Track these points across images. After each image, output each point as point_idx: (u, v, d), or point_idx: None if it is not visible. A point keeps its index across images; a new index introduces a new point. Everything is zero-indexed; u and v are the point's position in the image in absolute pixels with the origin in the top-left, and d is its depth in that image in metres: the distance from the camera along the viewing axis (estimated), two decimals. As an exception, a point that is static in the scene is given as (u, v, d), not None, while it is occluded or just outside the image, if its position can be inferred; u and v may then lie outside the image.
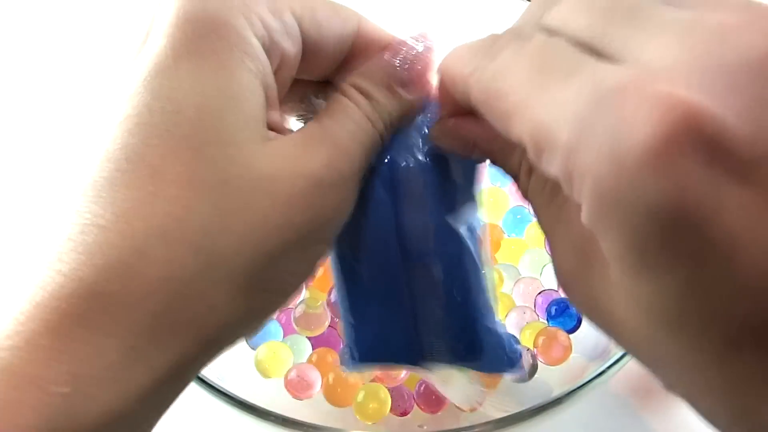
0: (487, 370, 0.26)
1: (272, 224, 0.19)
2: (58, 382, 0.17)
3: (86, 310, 0.17)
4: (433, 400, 0.36)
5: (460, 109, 0.21)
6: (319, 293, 0.40)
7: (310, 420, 0.31)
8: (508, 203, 0.44)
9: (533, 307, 0.40)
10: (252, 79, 0.20)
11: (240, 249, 0.19)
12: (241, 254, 0.19)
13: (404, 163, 0.24)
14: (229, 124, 0.19)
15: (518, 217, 0.43)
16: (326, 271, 0.40)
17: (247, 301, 0.20)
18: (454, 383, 0.28)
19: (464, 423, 0.31)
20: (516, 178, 0.22)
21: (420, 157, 0.24)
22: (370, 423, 0.36)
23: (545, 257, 0.42)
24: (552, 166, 0.16)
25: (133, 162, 0.18)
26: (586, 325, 0.39)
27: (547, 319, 0.39)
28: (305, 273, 0.21)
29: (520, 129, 0.16)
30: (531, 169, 0.21)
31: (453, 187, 0.25)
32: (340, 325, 0.39)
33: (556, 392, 0.32)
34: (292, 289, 0.22)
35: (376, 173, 0.24)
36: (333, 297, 0.38)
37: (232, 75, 0.19)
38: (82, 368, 0.17)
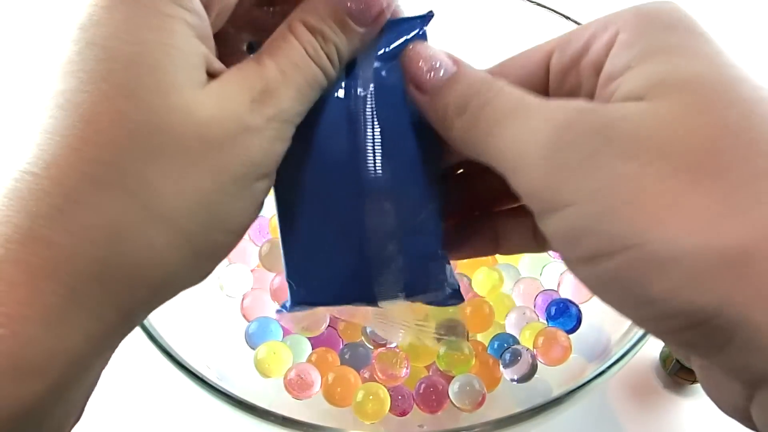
0: (432, 302, 0.26)
1: (206, 167, 0.19)
2: None
3: (23, 254, 0.18)
4: (432, 400, 0.36)
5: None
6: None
7: (309, 420, 0.31)
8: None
9: (533, 308, 0.40)
10: (186, 25, 0.20)
11: (176, 191, 0.19)
12: (178, 196, 0.19)
13: (363, 92, 0.24)
14: (164, 71, 0.19)
15: (518, 217, 0.43)
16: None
17: (192, 242, 0.20)
18: (392, 317, 0.30)
19: (464, 423, 0.31)
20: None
21: (375, 88, 0.24)
22: (369, 423, 0.36)
23: (545, 257, 0.42)
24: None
25: (66, 109, 0.19)
26: (585, 325, 0.39)
27: (547, 320, 0.39)
28: (249, 210, 0.22)
29: None
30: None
31: (418, 125, 0.24)
32: (341, 325, 0.40)
33: (556, 392, 0.32)
34: (239, 227, 0.22)
35: (331, 104, 0.23)
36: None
37: (166, 23, 0.19)
38: (21, 311, 0.17)
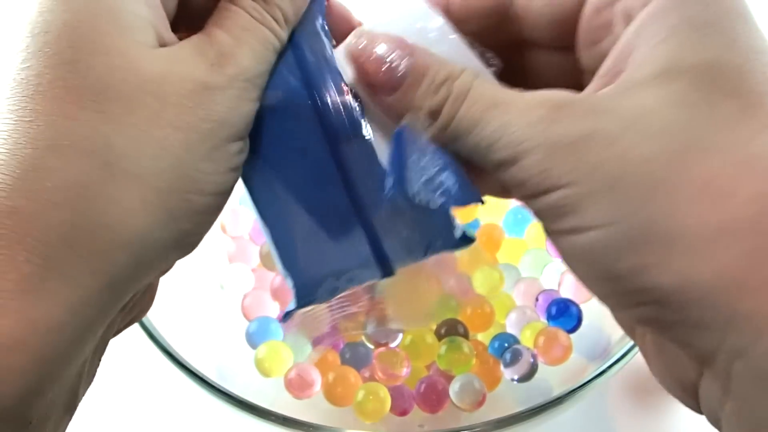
0: (444, 250, 0.25)
1: (166, 122, 0.20)
2: None
3: None
4: (433, 400, 0.36)
5: None
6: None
7: (310, 419, 0.31)
8: (508, 203, 0.44)
9: (534, 307, 0.40)
10: None
11: (137, 147, 0.19)
12: (140, 152, 0.19)
13: (313, 58, 0.24)
14: (105, 33, 0.19)
15: (518, 217, 0.43)
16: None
17: (163, 200, 0.20)
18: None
19: (464, 423, 0.31)
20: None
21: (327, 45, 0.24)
22: (369, 422, 0.36)
23: (545, 257, 0.42)
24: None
25: (12, 87, 0.19)
26: (586, 325, 0.39)
27: (548, 319, 0.39)
28: (222, 171, 0.21)
29: None
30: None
31: None
32: (341, 324, 0.39)
33: (556, 392, 0.32)
34: (214, 189, 0.21)
35: (283, 63, 0.23)
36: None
37: None
38: None
